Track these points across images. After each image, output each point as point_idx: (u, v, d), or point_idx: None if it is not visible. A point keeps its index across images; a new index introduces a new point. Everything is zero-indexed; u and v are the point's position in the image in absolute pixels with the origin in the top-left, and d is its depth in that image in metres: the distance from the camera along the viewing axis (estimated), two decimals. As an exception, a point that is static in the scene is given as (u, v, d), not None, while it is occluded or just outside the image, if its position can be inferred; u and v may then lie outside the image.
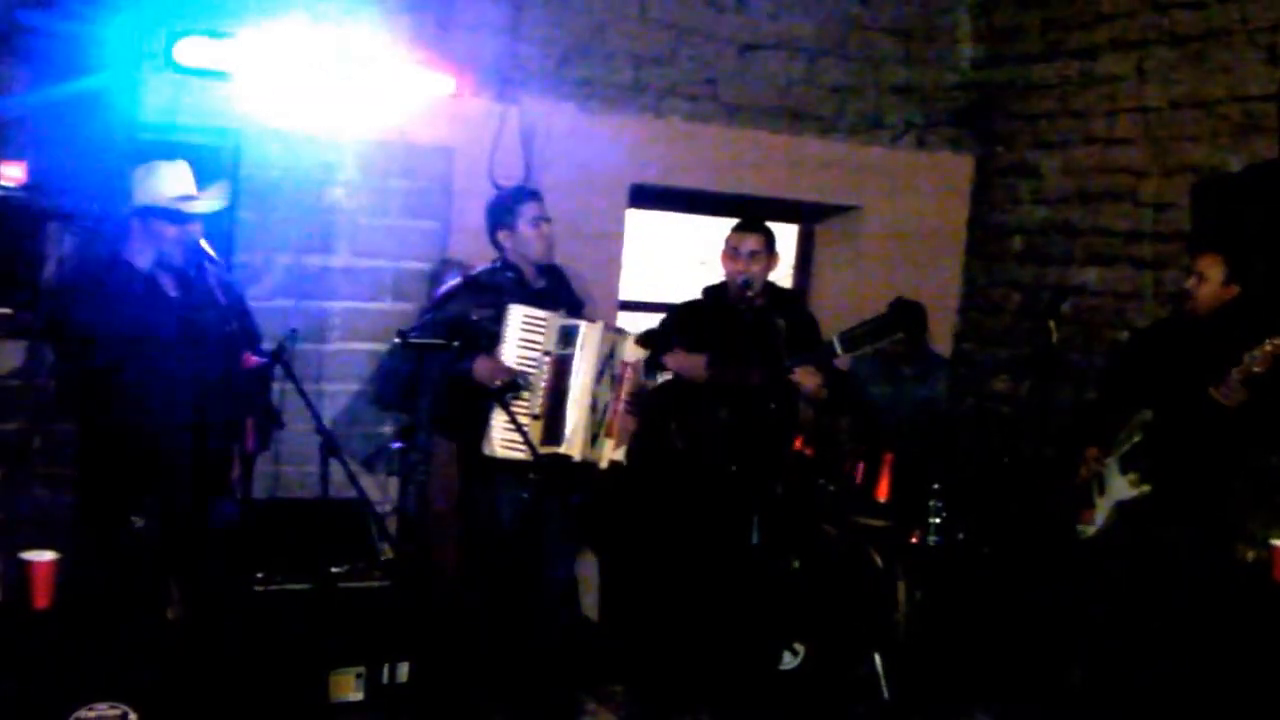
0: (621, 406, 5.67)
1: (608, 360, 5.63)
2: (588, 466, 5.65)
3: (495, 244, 5.75)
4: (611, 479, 5.78)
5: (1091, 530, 6.20)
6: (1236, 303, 5.91)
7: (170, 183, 5.18)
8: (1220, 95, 7.02)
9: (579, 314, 5.77)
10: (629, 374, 5.71)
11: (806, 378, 5.82)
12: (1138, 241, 7.43)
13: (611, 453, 5.68)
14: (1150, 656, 5.92)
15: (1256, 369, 5.51)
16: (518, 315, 5.49)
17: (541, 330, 5.51)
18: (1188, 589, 5.87)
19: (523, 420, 5.32)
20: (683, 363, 6.08)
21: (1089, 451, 6.26)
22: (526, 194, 5.80)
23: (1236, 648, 5.79)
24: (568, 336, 5.52)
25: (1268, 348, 5.46)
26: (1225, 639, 5.82)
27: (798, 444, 6.49)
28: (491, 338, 5.45)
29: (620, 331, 5.84)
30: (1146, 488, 5.97)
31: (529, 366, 5.45)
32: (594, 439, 5.61)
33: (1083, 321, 7.55)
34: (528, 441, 5.29)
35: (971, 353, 8.47)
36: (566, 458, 5.50)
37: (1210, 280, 5.89)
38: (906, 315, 6.75)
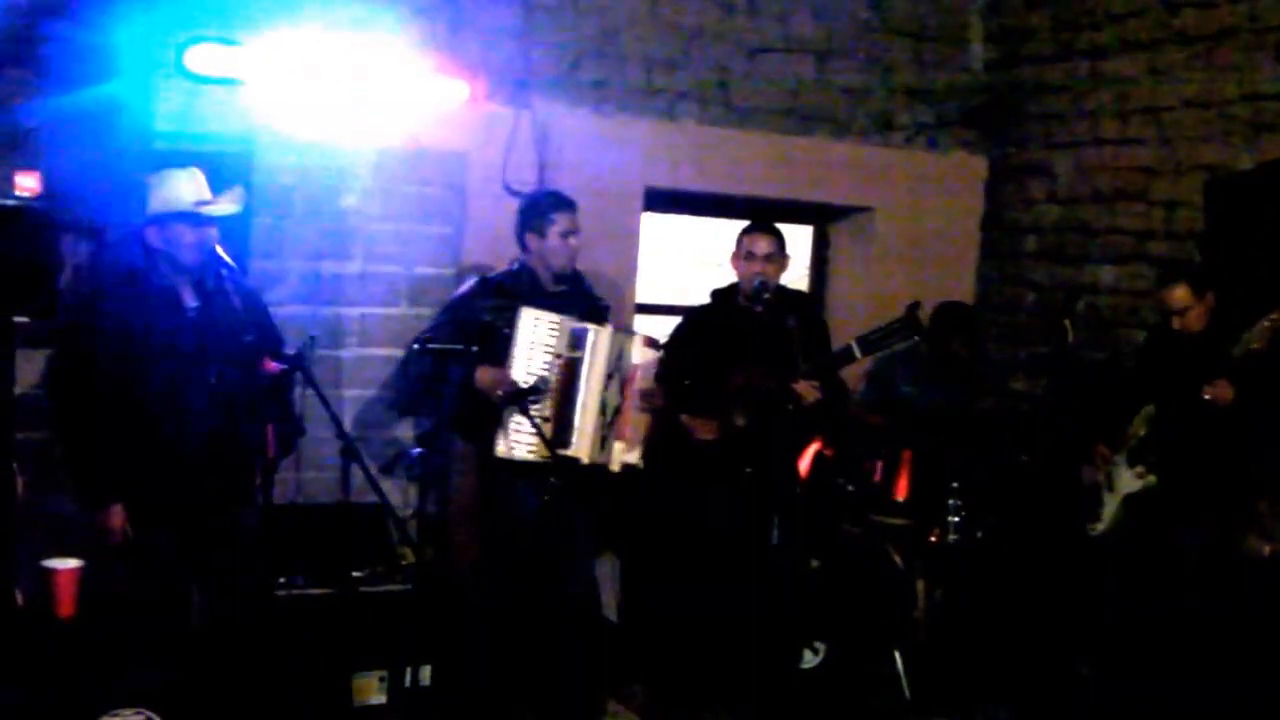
0: (630, 407, 5.66)
1: (617, 363, 5.63)
2: (603, 470, 5.64)
3: (521, 243, 5.75)
4: (627, 481, 5.77)
5: (1100, 528, 6.23)
6: (1218, 308, 6.00)
7: (186, 188, 5.18)
8: (1231, 94, 7.03)
9: (601, 317, 5.77)
10: (638, 375, 5.70)
11: (808, 391, 5.83)
12: (1151, 240, 7.44)
13: (623, 455, 5.67)
14: (1161, 651, 5.94)
15: (1255, 345, 5.56)
16: (528, 318, 5.50)
17: (552, 333, 5.51)
18: (1199, 583, 5.90)
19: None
20: (697, 426, 6.07)
21: (1098, 450, 6.28)
22: (563, 203, 5.78)
23: (1252, 642, 5.80)
24: (576, 340, 5.53)
25: (1265, 323, 5.52)
26: (1239, 633, 5.83)
27: (817, 444, 6.50)
28: (504, 340, 5.45)
29: (629, 333, 5.83)
30: (1152, 479, 6.00)
31: (540, 369, 5.46)
32: (603, 442, 5.60)
33: (1097, 320, 7.56)
34: (546, 443, 5.29)
35: (988, 352, 8.47)
36: (575, 460, 5.49)
37: (1193, 306, 5.97)
38: (951, 325, 6.79)
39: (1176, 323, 6.04)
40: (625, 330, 5.89)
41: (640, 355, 5.71)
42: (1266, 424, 5.84)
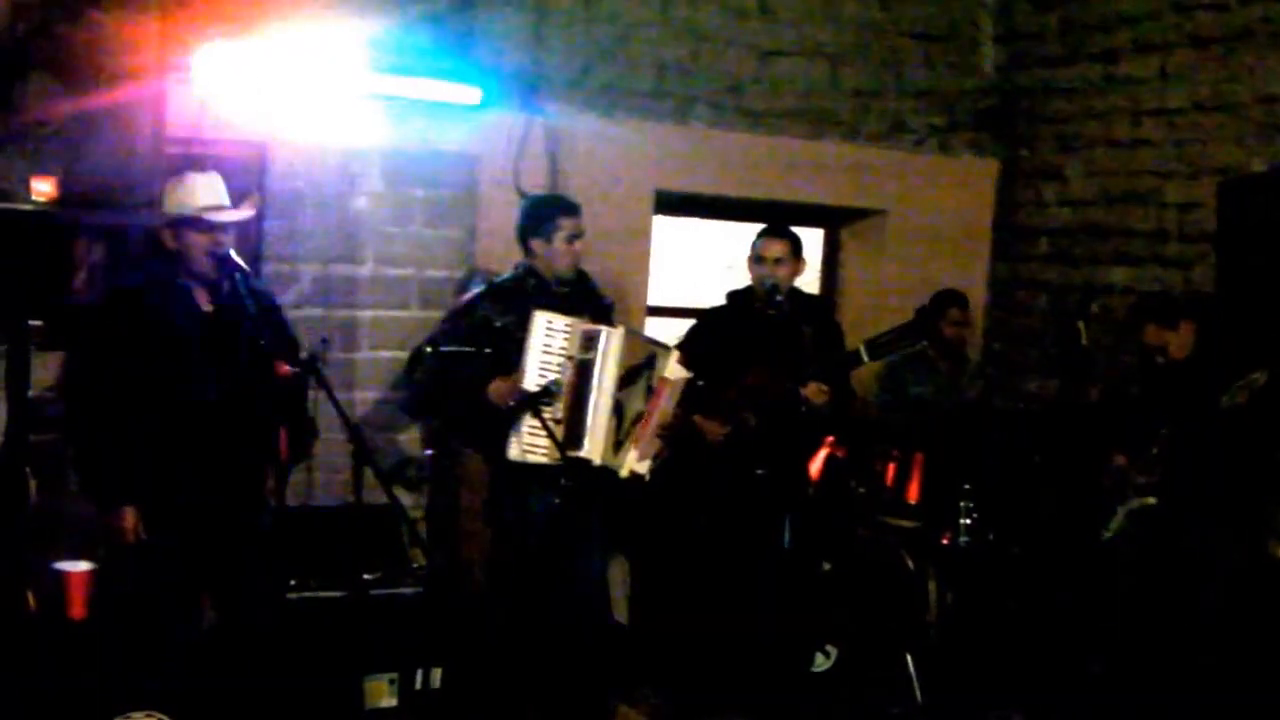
0: (652, 423, 5.65)
1: (643, 370, 5.61)
2: (612, 472, 5.64)
3: (525, 247, 5.75)
4: (632, 488, 5.75)
5: (1107, 535, 6.24)
6: (1202, 334, 6.06)
7: (200, 193, 5.19)
8: (1243, 96, 7.04)
9: (606, 317, 5.77)
10: (666, 390, 5.68)
11: (817, 394, 5.82)
12: (1163, 242, 7.44)
13: (634, 463, 5.64)
14: (1174, 654, 5.94)
15: (1239, 400, 5.64)
16: (541, 321, 5.48)
17: (564, 335, 5.51)
18: (1215, 587, 5.91)
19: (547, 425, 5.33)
20: (707, 427, 6.07)
21: (1116, 459, 6.30)
22: (567, 207, 5.77)
23: (1265, 645, 5.81)
24: (589, 341, 5.50)
25: (1245, 382, 5.68)
26: (1256, 637, 5.83)
27: (828, 446, 6.50)
28: (516, 344, 5.45)
29: (665, 346, 5.79)
30: (1151, 500, 6.02)
31: (552, 371, 5.45)
32: (617, 445, 5.60)
33: (1110, 322, 7.55)
34: (558, 445, 5.29)
35: (1000, 353, 8.48)
36: (586, 462, 5.48)
37: (1170, 342, 6.03)
38: (948, 301, 6.81)
39: (1161, 360, 6.09)
40: (663, 344, 5.82)
41: (673, 371, 5.68)
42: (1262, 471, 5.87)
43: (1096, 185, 7.89)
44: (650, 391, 5.62)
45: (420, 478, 6.60)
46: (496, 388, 5.42)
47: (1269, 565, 5.99)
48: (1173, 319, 6.11)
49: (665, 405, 5.65)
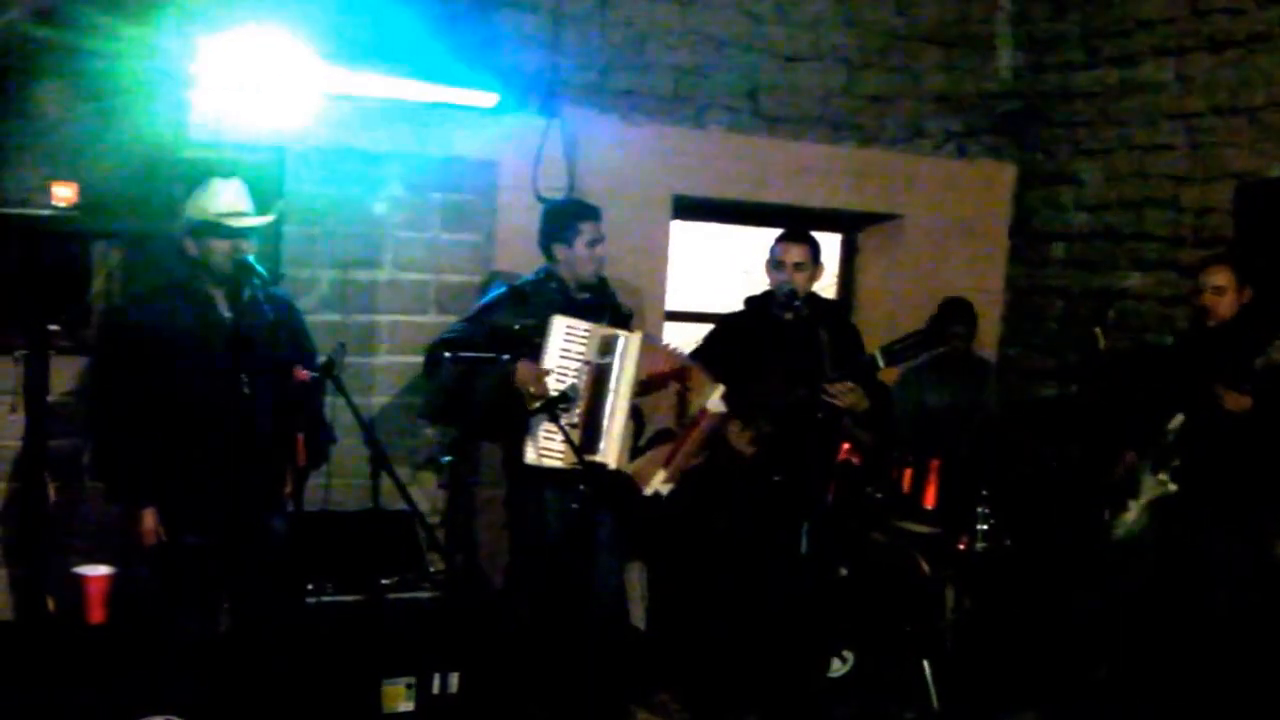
0: (685, 449, 5.64)
1: (668, 381, 5.60)
2: (629, 476, 5.63)
3: (546, 253, 5.76)
4: (650, 506, 5.74)
5: (1120, 532, 6.24)
6: (1252, 305, 6.06)
7: (221, 199, 5.20)
8: (1261, 101, 7.02)
9: (625, 324, 5.78)
10: (705, 421, 5.67)
11: (841, 394, 5.80)
12: (1180, 247, 7.42)
13: (660, 484, 5.62)
14: (1183, 655, 5.93)
15: (1277, 357, 5.62)
16: (560, 326, 5.50)
17: (583, 340, 5.52)
18: (1223, 587, 5.90)
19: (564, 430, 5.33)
20: (736, 436, 6.06)
21: (1126, 456, 6.29)
22: (588, 211, 5.79)
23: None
24: (608, 346, 5.52)
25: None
26: (1265, 639, 5.83)
27: (845, 452, 6.49)
28: (534, 348, 5.46)
29: (714, 381, 5.78)
30: (1173, 487, 6.01)
31: (570, 376, 5.46)
32: (635, 452, 5.59)
33: (1127, 327, 7.54)
34: (575, 450, 5.29)
35: (1016, 359, 8.47)
36: (603, 466, 5.48)
37: (1228, 290, 6.02)
38: (953, 315, 6.79)
39: (1209, 299, 6.06)
40: (713, 379, 5.80)
41: (715, 404, 5.67)
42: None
43: (1114, 190, 7.88)
44: (688, 420, 5.61)
45: (439, 482, 6.61)
46: (523, 370, 5.39)
47: (1272, 566, 6.00)
48: (1244, 278, 6.09)
49: (701, 437, 5.64)
